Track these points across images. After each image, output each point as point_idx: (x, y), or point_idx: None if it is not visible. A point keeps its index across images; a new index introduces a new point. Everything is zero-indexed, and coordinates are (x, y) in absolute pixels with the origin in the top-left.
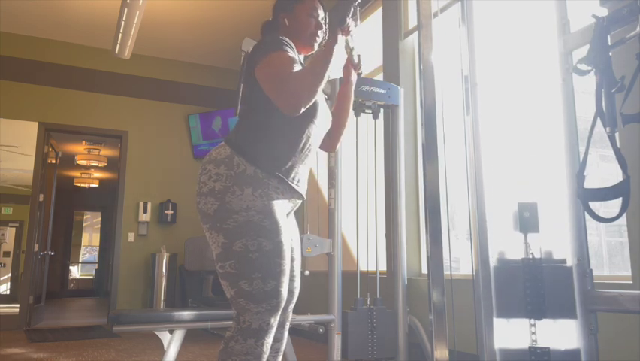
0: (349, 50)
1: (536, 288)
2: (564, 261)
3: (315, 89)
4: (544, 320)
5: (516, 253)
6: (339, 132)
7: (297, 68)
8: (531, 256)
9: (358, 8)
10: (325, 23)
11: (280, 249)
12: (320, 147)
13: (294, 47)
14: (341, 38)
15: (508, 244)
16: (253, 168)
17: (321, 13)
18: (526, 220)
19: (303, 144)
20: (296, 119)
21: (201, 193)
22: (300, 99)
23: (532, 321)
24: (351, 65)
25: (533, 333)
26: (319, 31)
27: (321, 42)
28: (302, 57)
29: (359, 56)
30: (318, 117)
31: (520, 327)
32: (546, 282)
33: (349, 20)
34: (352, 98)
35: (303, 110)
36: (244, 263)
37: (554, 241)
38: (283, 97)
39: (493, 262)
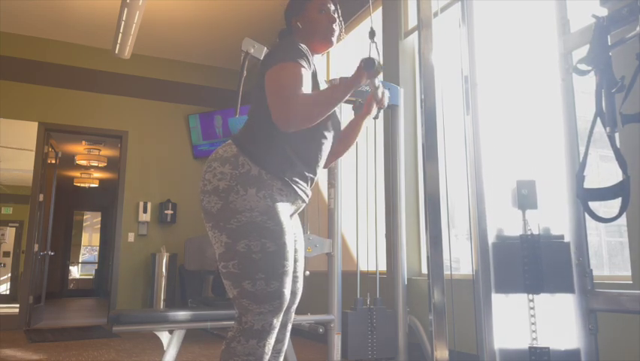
0: (374, 88)
1: (534, 263)
2: (562, 237)
3: (313, 119)
4: (543, 310)
5: (515, 231)
6: (340, 154)
7: (307, 85)
8: (529, 232)
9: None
10: (339, 16)
11: (284, 250)
12: None
13: (309, 54)
14: (365, 79)
15: (506, 222)
16: (258, 168)
17: (331, 6)
18: (525, 197)
19: (310, 148)
20: None
21: (205, 191)
22: (293, 122)
23: (530, 296)
24: (375, 101)
25: (532, 308)
26: (334, 25)
27: (339, 35)
28: (318, 57)
29: (384, 92)
30: (330, 123)
31: (518, 302)
32: (544, 257)
33: (377, 65)
34: (363, 130)
35: (292, 130)
36: (247, 263)
37: (552, 218)
38: (279, 112)
39: (492, 238)
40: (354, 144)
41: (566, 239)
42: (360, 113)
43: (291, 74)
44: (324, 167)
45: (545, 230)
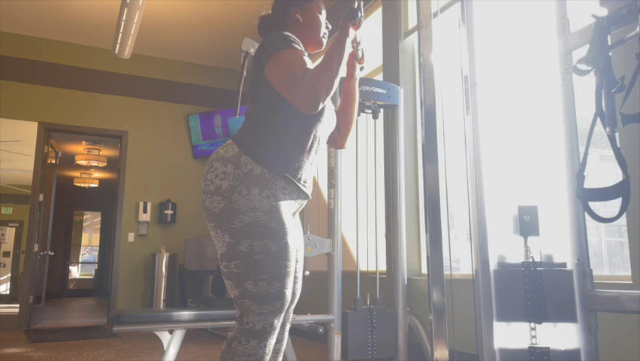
0: (356, 44)
1: (536, 292)
2: (564, 265)
3: (331, 86)
4: (544, 323)
5: (516, 257)
6: (348, 129)
7: (310, 65)
8: (531, 260)
9: (362, 2)
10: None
11: (286, 251)
12: (331, 145)
13: (301, 43)
14: (352, 32)
15: (508, 247)
16: (260, 167)
17: (325, 12)
18: (527, 224)
19: (310, 143)
20: (303, 118)
21: (207, 191)
22: (318, 97)
23: (532, 325)
24: (355, 59)
25: (534, 337)
26: (327, 31)
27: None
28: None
29: (362, 49)
30: (325, 116)
31: (520, 330)
32: (546, 285)
33: (360, 15)
34: (358, 93)
35: (321, 106)
36: (250, 264)
37: (554, 244)
38: (301, 96)
39: (493, 265)
40: (356, 109)
41: (569, 267)
42: (346, 78)
43: (293, 57)
44: (341, 146)
45: (548, 257)
